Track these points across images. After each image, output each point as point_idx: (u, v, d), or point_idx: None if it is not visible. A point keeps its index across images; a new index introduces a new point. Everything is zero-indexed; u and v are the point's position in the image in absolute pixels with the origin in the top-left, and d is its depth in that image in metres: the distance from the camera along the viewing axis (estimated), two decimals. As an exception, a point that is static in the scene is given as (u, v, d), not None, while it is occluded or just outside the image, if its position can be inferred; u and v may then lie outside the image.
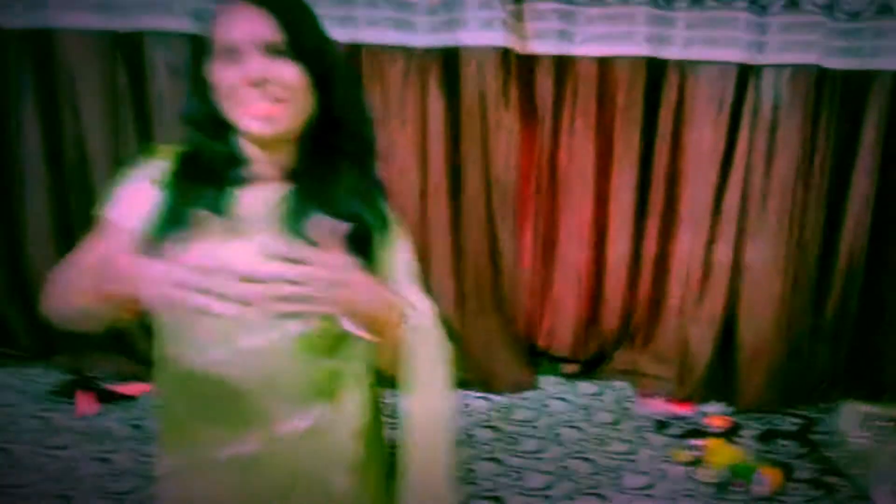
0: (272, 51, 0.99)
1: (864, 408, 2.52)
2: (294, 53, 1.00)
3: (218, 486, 1.08)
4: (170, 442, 1.11)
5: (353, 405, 1.09)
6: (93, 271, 0.96)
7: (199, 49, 1.04)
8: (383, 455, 1.14)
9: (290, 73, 1.00)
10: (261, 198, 1.05)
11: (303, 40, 1.01)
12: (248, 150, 1.07)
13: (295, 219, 1.03)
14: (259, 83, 0.99)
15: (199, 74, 1.04)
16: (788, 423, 2.60)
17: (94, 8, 2.48)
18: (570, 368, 2.89)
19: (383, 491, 1.10)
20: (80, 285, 0.96)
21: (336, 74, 1.06)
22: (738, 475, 2.19)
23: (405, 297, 1.04)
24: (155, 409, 1.15)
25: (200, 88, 1.04)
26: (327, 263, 0.87)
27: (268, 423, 1.05)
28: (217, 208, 1.03)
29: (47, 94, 2.57)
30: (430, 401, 1.05)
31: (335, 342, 1.05)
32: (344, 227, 0.90)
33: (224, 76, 1.00)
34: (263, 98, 0.99)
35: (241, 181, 1.06)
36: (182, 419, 1.08)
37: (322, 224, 0.89)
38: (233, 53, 0.99)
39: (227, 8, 1.00)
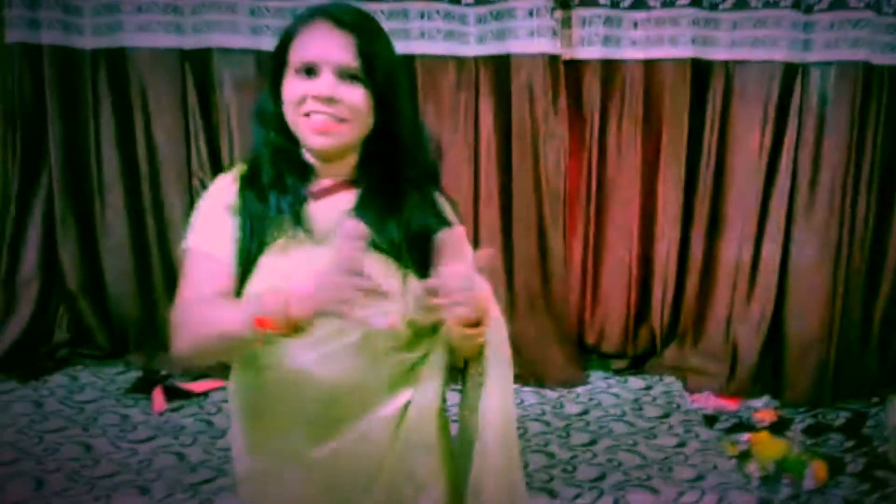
0: (345, 74, 1.05)
1: (915, 402, 2.52)
2: (364, 79, 1.05)
3: (306, 485, 1.11)
4: (255, 444, 1.14)
5: (431, 391, 1.13)
6: (214, 304, 1.02)
7: (275, 60, 1.09)
8: (450, 438, 1.19)
9: (356, 96, 1.05)
10: (331, 208, 1.10)
11: (375, 67, 1.05)
12: (309, 156, 1.11)
13: (371, 227, 1.02)
14: (328, 100, 1.04)
15: (274, 83, 1.09)
16: (837, 418, 2.62)
17: (164, 28, 2.63)
18: (620, 364, 2.95)
19: (453, 471, 1.15)
20: (207, 321, 1.01)
21: (401, 98, 1.11)
22: (787, 469, 2.21)
23: (486, 299, 1.08)
24: (235, 411, 1.17)
25: (273, 95, 1.10)
26: (457, 272, 0.94)
27: (358, 418, 1.09)
28: (294, 218, 1.07)
29: (122, 109, 2.72)
30: (505, 393, 1.12)
31: (419, 335, 1.11)
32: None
33: (296, 88, 1.05)
34: (328, 115, 1.05)
35: (307, 188, 1.10)
36: (270, 421, 1.11)
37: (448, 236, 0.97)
38: (308, 70, 1.05)
39: (310, 25, 1.06)
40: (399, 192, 1.12)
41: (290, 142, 1.10)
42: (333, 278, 0.90)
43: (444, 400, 1.20)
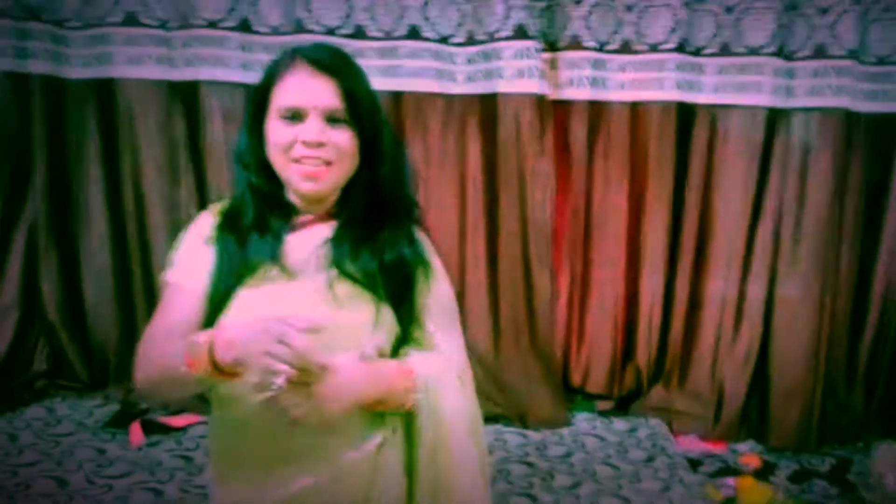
0: (331, 117, 1.08)
1: (901, 448, 2.52)
2: (350, 121, 1.09)
3: None
4: (229, 478, 1.14)
5: (401, 437, 1.13)
6: (174, 338, 1.01)
7: (255, 102, 1.12)
8: None
9: (343, 139, 1.09)
10: (308, 241, 1.13)
11: (359, 108, 1.09)
12: (293, 196, 1.15)
13: (342, 260, 1.10)
14: (315, 146, 1.07)
15: (253, 124, 1.12)
16: (823, 463, 2.60)
17: (154, 60, 2.64)
18: (605, 405, 2.92)
19: None
20: (164, 354, 1.01)
21: (383, 138, 1.14)
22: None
23: (414, 362, 1.11)
24: (211, 447, 1.18)
25: (253, 137, 1.12)
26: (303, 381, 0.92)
27: (331, 455, 1.09)
28: (270, 255, 1.10)
29: (108, 139, 2.72)
30: (454, 455, 1.11)
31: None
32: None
33: (282, 134, 1.08)
34: (316, 159, 1.08)
35: (288, 227, 1.14)
36: (244, 457, 1.11)
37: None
38: (294, 115, 1.08)
39: (292, 69, 1.09)
40: (376, 223, 1.14)
41: (272, 182, 1.12)
42: (261, 332, 0.88)
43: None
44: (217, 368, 0.93)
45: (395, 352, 1.14)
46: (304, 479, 1.08)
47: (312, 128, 1.06)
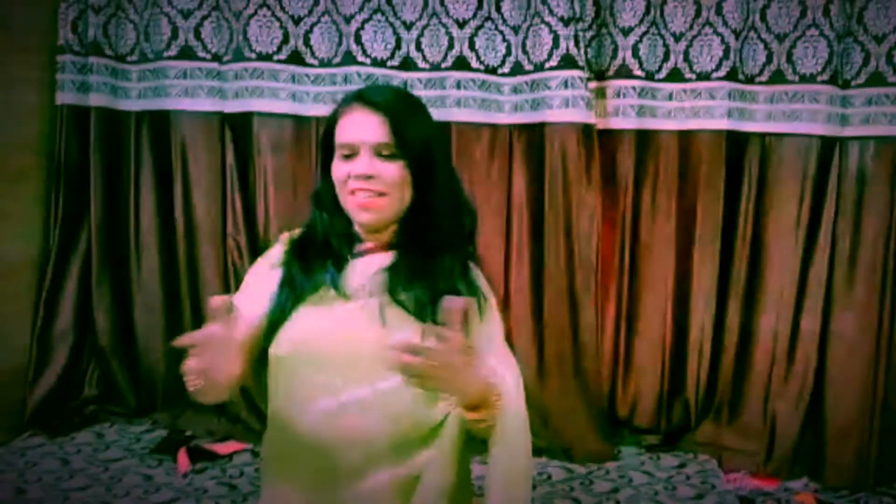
0: (381, 152, 1.16)
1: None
2: (400, 154, 1.16)
3: None
4: (273, 497, 1.20)
5: (445, 461, 1.15)
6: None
7: (324, 145, 1.23)
8: None
9: (393, 172, 1.17)
10: (367, 268, 1.19)
11: (408, 143, 1.16)
12: (358, 227, 1.23)
13: (395, 288, 1.15)
14: (366, 178, 1.15)
15: (325, 166, 1.23)
16: (880, 503, 2.49)
17: (207, 92, 2.71)
18: (652, 440, 2.86)
19: None
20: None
21: (437, 169, 1.20)
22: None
23: (499, 378, 1.12)
24: (263, 459, 1.24)
25: (325, 178, 1.23)
26: (450, 346, 0.94)
27: (361, 477, 1.12)
28: (330, 278, 1.18)
29: (162, 170, 2.78)
30: (513, 478, 1.12)
31: (428, 400, 1.13)
32: (464, 303, 0.99)
33: (341, 170, 1.18)
34: (368, 191, 1.16)
35: (352, 254, 1.22)
36: (285, 473, 1.17)
37: (453, 303, 0.98)
38: (349, 152, 1.17)
39: (348, 111, 1.19)
40: (430, 255, 1.19)
41: (342, 217, 1.22)
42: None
43: (467, 471, 1.22)
44: None
45: None
46: (349, 495, 1.12)
47: (362, 162, 1.15)
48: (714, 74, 2.69)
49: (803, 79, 2.65)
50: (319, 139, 1.27)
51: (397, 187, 1.17)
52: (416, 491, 1.14)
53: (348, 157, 1.17)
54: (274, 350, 1.17)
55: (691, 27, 2.69)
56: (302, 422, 1.13)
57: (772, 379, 2.78)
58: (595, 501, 2.43)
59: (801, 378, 2.73)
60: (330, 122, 1.22)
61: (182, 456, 2.55)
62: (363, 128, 1.16)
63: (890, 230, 2.61)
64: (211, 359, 0.97)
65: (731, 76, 2.67)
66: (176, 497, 2.32)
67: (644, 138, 2.76)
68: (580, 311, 2.74)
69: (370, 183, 1.15)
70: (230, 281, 2.69)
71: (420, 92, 2.62)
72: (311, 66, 2.67)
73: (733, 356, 2.83)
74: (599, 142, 2.71)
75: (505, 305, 2.74)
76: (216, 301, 0.99)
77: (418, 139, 1.17)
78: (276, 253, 1.26)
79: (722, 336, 2.82)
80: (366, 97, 1.19)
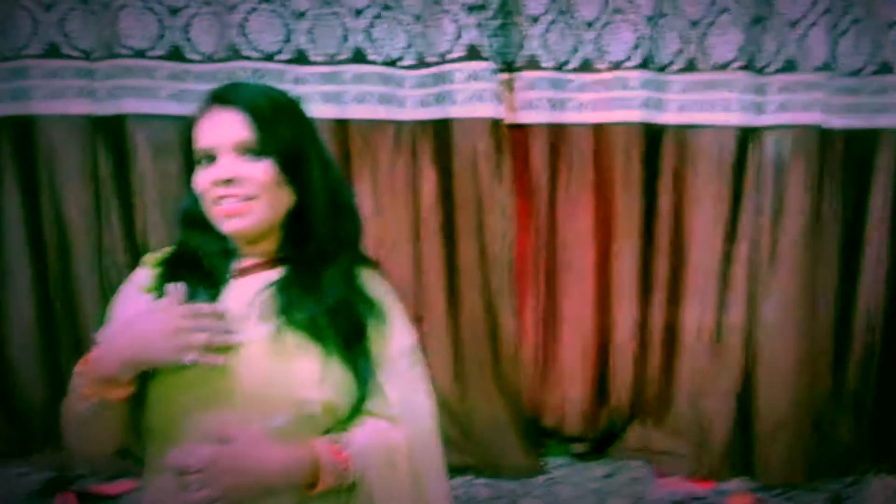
0: (243, 150, 1.04)
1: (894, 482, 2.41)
2: (265, 151, 1.05)
3: None
4: None
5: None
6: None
7: (186, 154, 1.11)
8: None
9: (259, 171, 1.04)
10: (249, 288, 1.08)
11: (274, 138, 1.05)
12: (235, 240, 1.11)
13: (288, 308, 1.05)
14: (228, 182, 1.04)
15: (191, 180, 1.10)
16: (815, 500, 2.46)
17: (76, 93, 2.47)
18: (581, 448, 2.75)
19: None
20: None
21: (311, 167, 1.09)
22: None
23: (342, 442, 1.02)
24: None
25: (192, 193, 1.10)
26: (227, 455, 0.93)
27: None
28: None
29: (28, 181, 2.53)
30: None
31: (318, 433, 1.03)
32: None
33: (201, 179, 1.06)
34: (234, 196, 1.04)
35: (229, 274, 1.10)
36: None
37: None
38: (209, 157, 1.06)
39: (204, 114, 1.08)
40: (319, 268, 1.09)
41: (215, 235, 1.11)
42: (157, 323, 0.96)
43: None
44: (109, 381, 0.97)
45: (356, 411, 1.07)
46: None
47: (223, 165, 1.04)
48: (626, 63, 2.60)
49: (717, 66, 2.59)
50: (182, 151, 1.16)
51: (267, 189, 1.05)
52: None
53: (208, 163, 1.06)
54: (151, 389, 1.04)
55: (601, 14, 2.60)
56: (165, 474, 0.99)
57: (700, 377, 2.71)
58: (521, 521, 2.30)
59: (729, 373, 2.67)
60: (188, 131, 1.10)
61: (59, 500, 2.33)
62: (220, 128, 1.05)
63: (810, 219, 2.57)
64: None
65: (644, 66, 2.59)
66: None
67: (557, 132, 2.66)
68: (498, 317, 2.62)
69: (234, 187, 1.04)
70: (109, 300, 2.45)
71: (315, 87, 2.45)
72: (193, 61, 2.47)
73: (659, 356, 2.75)
74: (510, 137, 2.61)
75: (418, 313, 2.60)
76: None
77: (284, 133, 1.07)
78: (143, 276, 1.13)
79: (647, 335, 2.75)
80: (220, 95, 1.08)
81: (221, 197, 1.04)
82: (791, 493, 2.49)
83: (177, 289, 0.99)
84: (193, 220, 1.12)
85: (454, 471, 2.55)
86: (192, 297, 1.04)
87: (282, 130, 1.06)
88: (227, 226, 1.06)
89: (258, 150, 1.04)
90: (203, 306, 0.98)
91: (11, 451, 2.60)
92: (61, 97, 2.46)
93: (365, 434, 1.03)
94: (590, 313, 2.72)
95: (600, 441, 2.77)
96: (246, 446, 0.95)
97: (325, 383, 1.03)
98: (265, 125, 1.04)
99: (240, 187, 1.04)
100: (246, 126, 1.04)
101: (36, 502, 2.34)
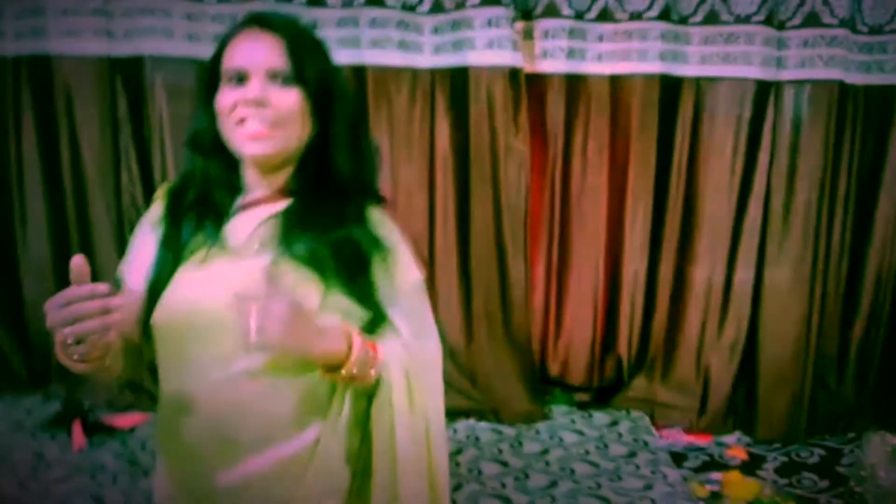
0: (276, 77, 1.03)
1: (894, 439, 2.41)
2: (297, 80, 1.03)
3: None
4: (168, 471, 1.11)
5: (341, 426, 1.06)
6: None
7: (208, 75, 1.07)
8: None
9: (289, 99, 1.03)
10: (254, 219, 1.07)
11: (307, 69, 1.04)
12: (248, 171, 1.09)
13: (289, 240, 1.04)
14: (258, 104, 1.01)
15: (207, 100, 1.07)
16: (812, 455, 2.49)
17: (93, 33, 2.44)
18: (584, 397, 2.79)
19: None
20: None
21: (338, 103, 1.08)
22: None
23: (387, 332, 1.04)
24: (155, 440, 1.16)
25: (207, 114, 1.07)
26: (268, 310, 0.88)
27: (261, 448, 1.03)
28: (211, 233, 1.05)
29: (45, 120, 2.52)
30: (404, 441, 1.03)
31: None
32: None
33: (227, 97, 1.03)
34: (261, 119, 1.02)
35: (235, 205, 1.09)
36: (179, 449, 1.07)
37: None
38: (239, 77, 1.03)
39: (240, 34, 1.06)
40: (329, 200, 1.08)
41: (224, 162, 1.09)
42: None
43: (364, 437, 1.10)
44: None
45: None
46: (243, 471, 1.04)
47: (254, 86, 1.02)
48: (646, 14, 2.55)
49: (738, 19, 2.54)
50: (202, 70, 1.11)
51: (293, 119, 1.04)
52: (312, 465, 1.05)
53: (237, 83, 1.04)
54: (154, 320, 1.05)
55: (622, -37, 2.54)
56: (193, 395, 1.03)
57: (705, 333, 2.73)
58: (524, 464, 2.34)
59: (734, 331, 2.69)
60: (218, 49, 1.07)
61: (77, 430, 2.36)
62: (256, 50, 1.03)
63: (825, 177, 2.55)
64: (85, 325, 0.86)
65: (664, 16, 2.54)
66: (69, 474, 2.15)
67: (574, 83, 2.62)
68: (509, 266, 2.62)
69: (262, 110, 1.02)
70: (128, 240, 2.46)
71: (332, 31, 2.42)
72: (209, 2, 2.43)
73: (666, 310, 2.76)
74: (527, 86, 2.57)
75: (430, 261, 2.61)
76: (76, 261, 0.89)
77: (318, 65, 1.06)
78: (156, 210, 1.12)
79: (655, 290, 2.75)
80: (260, 18, 1.06)
81: (245, 119, 1.02)
82: (788, 449, 2.52)
83: (76, 265, 0.90)
84: (203, 143, 1.10)
85: (459, 413, 2.61)
86: (197, 229, 1.05)
87: (315, 62, 1.05)
88: (249, 148, 1.04)
89: (291, 77, 1.03)
90: (81, 289, 0.87)
91: (27, 384, 2.66)
92: (78, 36, 2.43)
93: (385, 348, 1.03)
94: (600, 264, 2.72)
95: (604, 391, 2.80)
96: (298, 309, 0.93)
97: (325, 312, 1.01)
98: (300, 54, 1.03)
99: (268, 112, 1.02)
100: (282, 53, 1.03)
101: (50, 433, 2.38)
